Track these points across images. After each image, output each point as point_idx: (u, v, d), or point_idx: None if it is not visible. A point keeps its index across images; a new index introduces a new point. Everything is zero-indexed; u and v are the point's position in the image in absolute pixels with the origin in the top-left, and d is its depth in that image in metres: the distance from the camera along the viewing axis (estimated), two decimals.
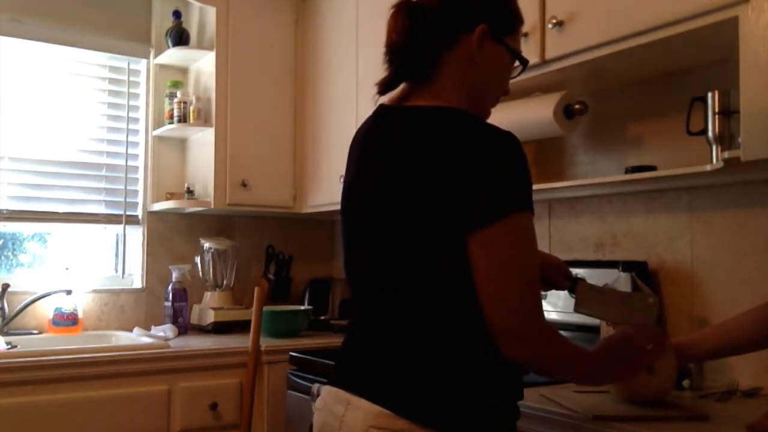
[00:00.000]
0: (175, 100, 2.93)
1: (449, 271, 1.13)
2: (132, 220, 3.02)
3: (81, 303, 2.77)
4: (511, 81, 1.34)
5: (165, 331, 2.70)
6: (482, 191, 1.09)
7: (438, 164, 1.11)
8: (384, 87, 1.27)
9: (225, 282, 3.00)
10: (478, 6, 1.23)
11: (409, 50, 1.23)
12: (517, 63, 1.30)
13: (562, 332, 1.98)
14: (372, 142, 1.25)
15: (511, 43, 1.27)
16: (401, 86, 1.28)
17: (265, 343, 2.56)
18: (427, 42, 1.22)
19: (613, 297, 1.53)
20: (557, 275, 1.48)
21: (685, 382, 1.69)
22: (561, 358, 1.19)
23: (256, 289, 2.60)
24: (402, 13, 1.23)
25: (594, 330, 1.89)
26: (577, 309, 1.49)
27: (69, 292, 2.70)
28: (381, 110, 1.28)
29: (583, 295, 1.48)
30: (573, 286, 1.48)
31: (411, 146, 1.16)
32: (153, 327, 2.79)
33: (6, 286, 2.63)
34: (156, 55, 3.04)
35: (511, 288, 1.10)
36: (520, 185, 1.12)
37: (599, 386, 1.55)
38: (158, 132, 3.01)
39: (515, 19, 1.29)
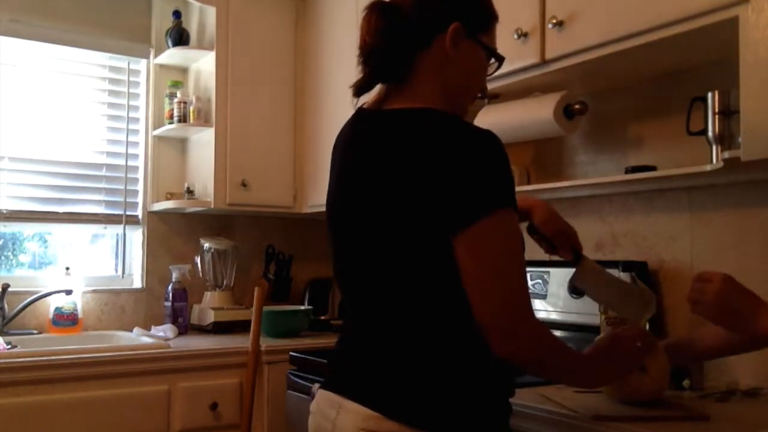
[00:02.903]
0: (175, 100, 2.93)
1: (435, 272, 1.13)
2: (132, 220, 3.02)
3: (81, 303, 2.77)
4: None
5: (165, 331, 2.70)
6: (464, 191, 1.09)
7: (419, 167, 1.11)
8: (359, 89, 1.27)
9: (225, 282, 3.00)
10: (451, 4, 1.23)
11: (383, 51, 1.22)
12: (493, 60, 1.29)
13: (563, 332, 1.98)
14: (352, 148, 1.26)
15: (486, 40, 1.27)
16: (378, 88, 1.27)
17: (265, 343, 2.56)
18: (401, 42, 1.22)
19: (612, 283, 1.51)
20: (564, 242, 1.44)
21: (685, 382, 1.69)
22: (551, 356, 1.18)
23: (256, 289, 2.60)
24: (375, 14, 1.22)
25: (595, 330, 1.89)
26: (574, 282, 1.48)
27: (69, 292, 2.70)
28: (359, 114, 1.28)
29: (585, 271, 1.46)
30: (576, 259, 1.46)
31: (391, 150, 1.16)
32: (153, 327, 2.79)
33: (6, 286, 2.63)
34: (156, 55, 3.03)
35: (498, 284, 1.10)
36: (501, 183, 1.12)
37: (593, 387, 1.55)
38: (158, 132, 3.01)
39: (489, 16, 1.28)
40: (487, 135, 1.13)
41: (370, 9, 1.24)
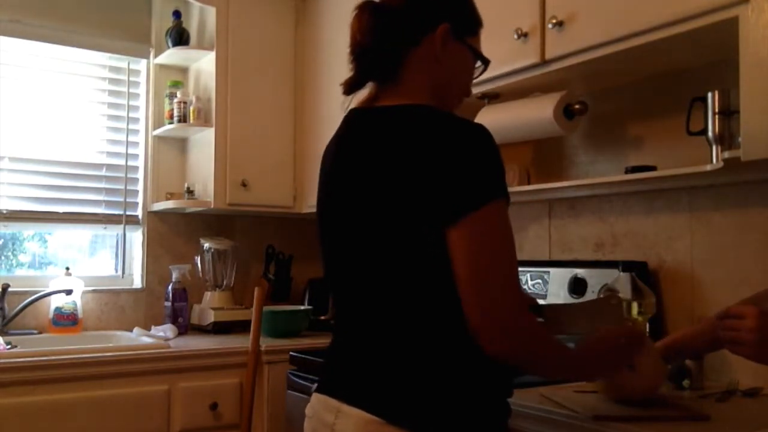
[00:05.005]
0: (175, 100, 2.93)
1: (431, 270, 1.12)
2: (132, 220, 3.02)
3: (81, 303, 2.77)
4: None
5: (165, 331, 2.70)
6: (456, 182, 1.09)
7: (410, 160, 1.12)
8: (350, 87, 1.29)
9: (225, 282, 3.00)
10: (440, 6, 1.26)
11: (374, 50, 1.25)
12: (479, 64, 1.32)
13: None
14: (345, 146, 1.26)
15: (472, 44, 1.30)
16: (369, 88, 1.29)
17: (265, 343, 2.56)
18: (391, 41, 1.24)
19: (576, 311, 1.51)
20: None
21: (685, 382, 1.69)
22: (542, 353, 1.17)
23: (256, 289, 2.60)
24: (366, 13, 1.25)
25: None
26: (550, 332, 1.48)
27: (69, 292, 2.70)
28: (351, 114, 1.29)
29: (550, 317, 1.46)
30: (539, 313, 1.45)
31: (383, 145, 1.17)
32: (153, 327, 2.79)
33: (6, 286, 2.63)
34: (156, 55, 3.03)
35: (490, 278, 1.09)
36: (494, 174, 1.12)
37: (581, 382, 1.55)
38: (158, 132, 3.01)
39: (476, 21, 1.32)
40: (478, 127, 1.15)
41: (361, 8, 1.26)
